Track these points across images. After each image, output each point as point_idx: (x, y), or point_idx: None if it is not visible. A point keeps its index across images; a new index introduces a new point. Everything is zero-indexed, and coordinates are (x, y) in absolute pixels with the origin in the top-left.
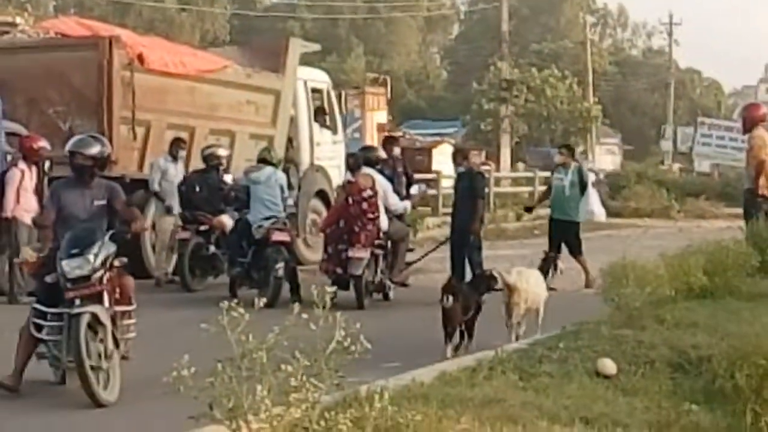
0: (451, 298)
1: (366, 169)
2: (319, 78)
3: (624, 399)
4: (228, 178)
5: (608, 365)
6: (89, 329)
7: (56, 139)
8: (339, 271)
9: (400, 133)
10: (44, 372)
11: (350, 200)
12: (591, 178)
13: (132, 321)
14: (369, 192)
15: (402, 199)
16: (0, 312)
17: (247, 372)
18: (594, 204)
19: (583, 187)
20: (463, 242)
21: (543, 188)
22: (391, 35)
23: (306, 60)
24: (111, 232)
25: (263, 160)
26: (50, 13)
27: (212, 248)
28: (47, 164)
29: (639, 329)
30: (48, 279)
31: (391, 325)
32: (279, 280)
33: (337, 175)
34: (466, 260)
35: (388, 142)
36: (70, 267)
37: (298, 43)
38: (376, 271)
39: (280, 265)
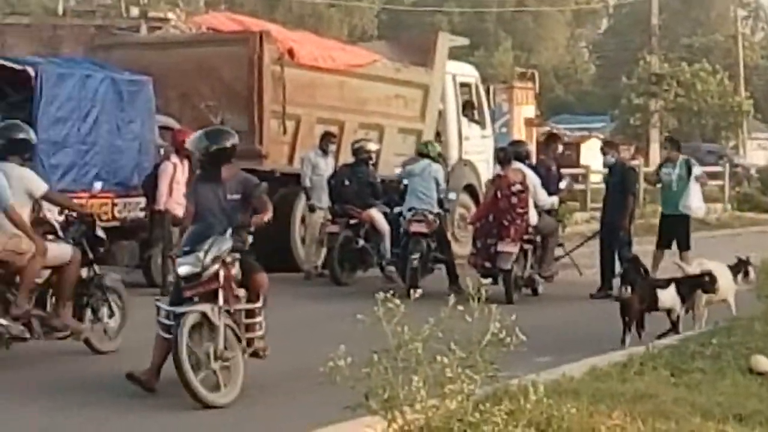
0: (629, 288)
1: (516, 164)
2: (468, 72)
3: None
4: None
5: (762, 362)
6: (202, 328)
7: None
8: (488, 265)
9: (548, 128)
10: None
11: (499, 194)
12: (697, 171)
13: (259, 319)
14: (518, 186)
15: (550, 194)
16: (153, 305)
17: (403, 363)
18: (693, 199)
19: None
20: (612, 237)
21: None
22: (539, 29)
23: (454, 54)
24: (231, 227)
25: (421, 153)
26: (201, 8)
27: (361, 242)
28: None
29: None
30: (170, 277)
31: (540, 319)
32: (414, 270)
33: (486, 169)
34: (616, 255)
35: (552, 139)
36: (182, 265)
37: (447, 37)
38: (525, 266)
39: (416, 255)
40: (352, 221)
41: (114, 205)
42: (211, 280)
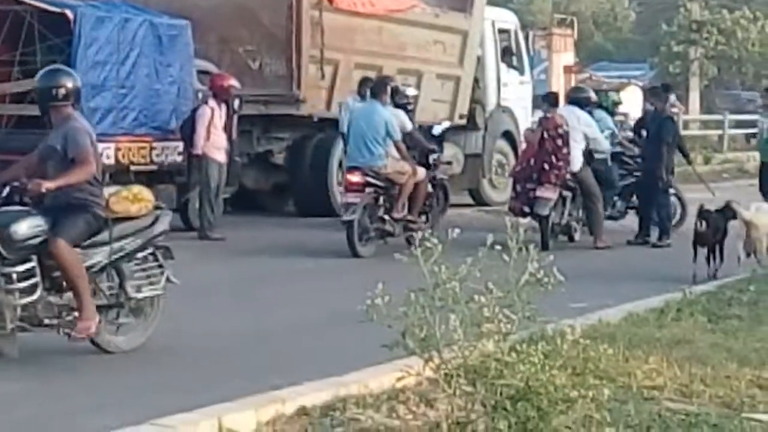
0: (704, 222)
1: (566, 108)
2: (507, 18)
3: None
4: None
5: None
6: None
7: (246, 77)
8: (526, 209)
9: (586, 75)
10: None
11: (545, 135)
12: None
13: (23, 285)
14: (565, 128)
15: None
16: (191, 248)
17: (440, 302)
18: None
19: None
20: (650, 185)
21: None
22: None
23: (493, 0)
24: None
25: (600, 105)
26: None
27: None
28: (237, 102)
29: None
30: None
31: (576, 265)
32: None
33: (524, 115)
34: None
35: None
36: None
37: None
38: (563, 213)
39: None
40: None
41: (152, 148)
42: None
